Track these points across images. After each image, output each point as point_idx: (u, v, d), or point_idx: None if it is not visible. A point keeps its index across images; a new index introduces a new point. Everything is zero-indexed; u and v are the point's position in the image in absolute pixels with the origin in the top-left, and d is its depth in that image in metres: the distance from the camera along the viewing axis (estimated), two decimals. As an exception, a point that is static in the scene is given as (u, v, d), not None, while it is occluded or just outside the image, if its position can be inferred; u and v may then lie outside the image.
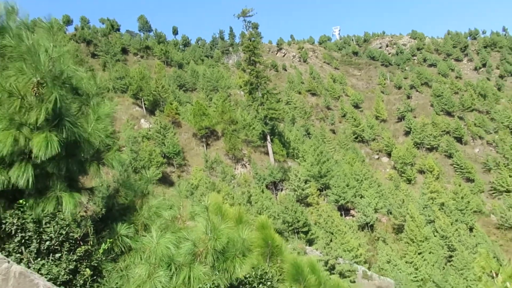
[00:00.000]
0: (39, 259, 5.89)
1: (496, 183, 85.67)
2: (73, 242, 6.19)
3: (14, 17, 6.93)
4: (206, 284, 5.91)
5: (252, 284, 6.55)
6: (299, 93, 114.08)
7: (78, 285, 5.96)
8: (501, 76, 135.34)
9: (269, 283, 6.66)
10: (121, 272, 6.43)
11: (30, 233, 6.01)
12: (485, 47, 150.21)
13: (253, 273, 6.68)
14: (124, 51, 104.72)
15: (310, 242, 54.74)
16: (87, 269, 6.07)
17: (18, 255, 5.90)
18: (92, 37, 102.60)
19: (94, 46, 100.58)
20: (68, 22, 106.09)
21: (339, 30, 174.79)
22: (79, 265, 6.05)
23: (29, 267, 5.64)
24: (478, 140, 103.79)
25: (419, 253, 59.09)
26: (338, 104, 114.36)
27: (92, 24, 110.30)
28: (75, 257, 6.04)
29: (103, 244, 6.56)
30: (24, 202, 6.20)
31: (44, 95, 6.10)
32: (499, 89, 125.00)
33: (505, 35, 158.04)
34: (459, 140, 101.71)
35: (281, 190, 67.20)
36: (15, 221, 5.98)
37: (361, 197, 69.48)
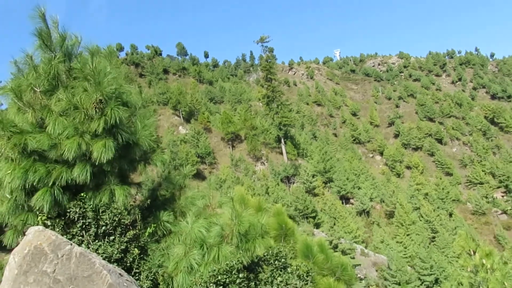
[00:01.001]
0: (96, 241, 5.94)
1: (471, 177, 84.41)
2: (124, 227, 6.23)
3: (77, 46, 7.03)
4: (232, 261, 5.89)
5: (270, 260, 6.51)
6: (307, 104, 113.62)
7: (128, 262, 5.99)
8: (474, 88, 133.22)
9: (283, 260, 6.60)
10: (163, 251, 6.46)
11: (90, 219, 6.06)
12: (460, 64, 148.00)
13: (270, 251, 6.63)
14: (165, 71, 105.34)
15: (317, 226, 54.46)
16: (136, 249, 6.10)
17: (80, 237, 5.95)
18: (139, 61, 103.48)
19: (141, 68, 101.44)
20: (121, 48, 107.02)
21: (339, 52, 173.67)
22: (129, 245, 6.09)
23: (88, 248, 5.68)
24: (455, 141, 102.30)
25: (408, 235, 58.43)
26: (339, 113, 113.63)
27: (140, 50, 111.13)
28: (125, 239, 6.07)
29: (149, 228, 6.59)
30: (84, 195, 6.26)
31: (103, 110, 6.17)
32: (472, 99, 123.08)
33: (477, 54, 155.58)
34: (439, 141, 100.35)
35: (293, 183, 66.99)
36: (77, 210, 6.04)
37: (359, 189, 68.99)
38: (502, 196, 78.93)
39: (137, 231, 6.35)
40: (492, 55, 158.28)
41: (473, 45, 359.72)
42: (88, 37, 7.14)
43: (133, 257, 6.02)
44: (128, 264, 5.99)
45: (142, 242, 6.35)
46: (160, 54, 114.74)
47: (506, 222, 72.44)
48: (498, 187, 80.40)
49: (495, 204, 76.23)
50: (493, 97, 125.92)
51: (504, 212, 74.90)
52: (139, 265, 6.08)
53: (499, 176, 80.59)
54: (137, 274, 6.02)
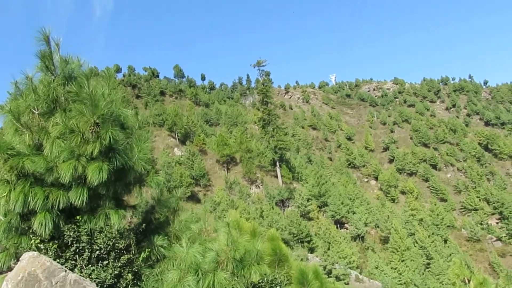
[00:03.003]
0: (90, 265, 5.87)
1: (466, 203, 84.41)
2: (118, 251, 6.17)
3: (78, 68, 7.07)
4: (227, 288, 5.82)
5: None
6: (303, 127, 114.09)
7: (121, 287, 5.91)
8: (468, 115, 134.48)
9: (278, 287, 6.54)
10: (157, 276, 6.37)
11: (84, 243, 6.00)
12: (454, 91, 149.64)
13: (265, 278, 6.57)
14: (162, 93, 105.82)
15: (312, 250, 54.03)
16: (129, 274, 6.03)
17: (73, 262, 5.88)
18: (136, 82, 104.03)
19: (138, 89, 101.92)
20: (118, 70, 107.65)
21: (335, 77, 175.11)
22: (122, 270, 6.02)
23: (81, 272, 5.61)
24: (450, 167, 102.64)
25: (402, 261, 58.04)
26: (334, 137, 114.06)
27: (137, 71, 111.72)
28: (119, 264, 6.00)
29: (143, 253, 6.52)
30: (80, 218, 6.22)
31: (100, 133, 6.17)
32: (466, 125, 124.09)
33: (470, 81, 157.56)
34: (434, 166, 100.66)
35: (288, 206, 66.70)
36: (71, 234, 5.99)
37: (353, 213, 68.73)
38: (497, 223, 78.82)
39: (131, 255, 6.28)
40: (485, 83, 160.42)
41: (467, 72, 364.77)
42: (87, 58, 7.22)
43: (126, 282, 5.94)
44: (121, 290, 5.91)
45: (136, 267, 6.28)
46: (157, 76, 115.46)
47: (501, 249, 72.16)
48: (493, 214, 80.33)
49: (489, 231, 76.08)
50: (487, 123, 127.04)
51: (499, 239, 74.68)
52: (132, 291, 6.01)
53: (494, 203, 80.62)
54: (130, 301, 5.94)
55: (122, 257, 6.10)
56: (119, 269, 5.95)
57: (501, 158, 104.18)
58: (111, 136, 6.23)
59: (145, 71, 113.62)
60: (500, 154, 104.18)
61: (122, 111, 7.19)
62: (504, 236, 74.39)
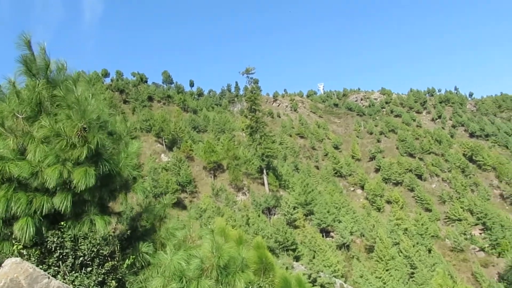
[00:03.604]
0: (73, 272, 5.80)
1: (450, 213, 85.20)
2: (103, 258, 6.11)
3: (63, 72, 7.02)
4: (211, 296, 5.80)
5: (249, 296, 6.43)
6: (290, 136, 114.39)
7: (105, 294, 5.86)
8: (453, 126, 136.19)
9: (263, 295, 6.54)
10: (141, 283, 6.33)
11: (67, 250, 5.94)
12: (440, 102, 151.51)
13: (250, 286, 6.57)
14: (150, 98, 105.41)
15: (297, 258, 53.98)
16: (113, 281, 5.98)
17: (56, 268, 5.81)
18: (124, 87, 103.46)
19: (126, 94, 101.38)
20: (106, 74, 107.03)
21: (323, 86, 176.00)
22: (106, 277, 5.96)
23: (64, 279, 5.55)
24: (435, 177, 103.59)
25: (387, 270, 58.26)
26: (322, 146, 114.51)
27: (125, 76, 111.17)
28: (103, 270, 5.95)
29: (127, 260, 6.47)
30: (64, 224, 6.16)
31: (86, 138, 6.13)
32: (451, 136, 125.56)
33: (456, 93, 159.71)
34: (419, 177, 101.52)
35: (274, 214, 66.65)
36: (55, 240, 5.92)
37: (339, 222, 68.89)
38: (480, 233, 79.66)
39: (116, 262, 6.23)
40: (471, 95, 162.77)
41: (452, 84, 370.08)
42: (75, 63, 7.17)
43: (110, 289, 5.90)
44: (104, 297, 5.86)
45: (120, 274, 6.23)
46: (146, 81, 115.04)
47: (484, 260, 72.89)
48: (476, 224, 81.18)
49: (473, 241, 76.83)
50: (472, 135, 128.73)
51: (482, 249, 75.47)
52: (116, 298, 5.95)
53: (477, 214, 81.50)
54: (113, 308, 5.88)
55: (106, 264, 6.05)
56: (103, 276, 5.90)
57: (485, 169, 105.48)
58: (98, 141, 6.20)
59: (133, 76, 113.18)
60: (484, 166, 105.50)
61: (109, 116, 7.17)
62: (487, 247, 75.20)
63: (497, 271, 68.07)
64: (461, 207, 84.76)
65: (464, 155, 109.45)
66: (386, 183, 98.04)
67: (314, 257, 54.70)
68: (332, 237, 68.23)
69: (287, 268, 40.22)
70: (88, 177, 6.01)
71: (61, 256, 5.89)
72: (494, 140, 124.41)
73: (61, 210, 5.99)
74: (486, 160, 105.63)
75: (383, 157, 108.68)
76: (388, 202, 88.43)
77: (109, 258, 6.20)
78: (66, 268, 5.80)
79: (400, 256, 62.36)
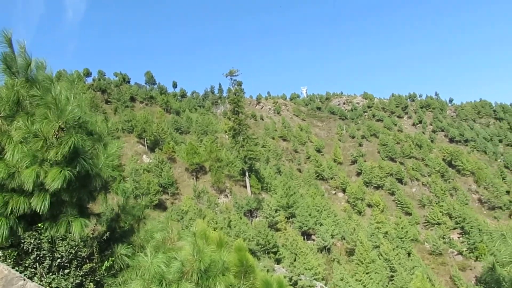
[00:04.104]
0: (50, 274, 5.70)
1: (429, 217, 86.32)
2: (81, 260, 6.03)
3: (42, 71, 6.91)
4: (191, 299, 5.76)
5: (229, 299, 6.41)
6: (273, 138, 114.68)
7: (82, 297, 5.77)
8: (433, 131, 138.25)
9: (243, 298, 6.51)
10: (120, 286, 6.26)
11: (45, 251, 5.84)
12: (421, 107, 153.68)
13: (230, 290, 6.55)
14: (132, 99, 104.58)
15: (278, 261, 54.05)
16: (91, 284, 5.90)
17: (33, 270, 5.70)
18: (106, 87, 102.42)
19: (108, 95, 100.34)
20: (88, 74, 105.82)
21: (306, 90, 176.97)
22: (84, 279, 5.88)
23: (41, 281, 5.46)
24: (415, 182, 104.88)
25: (367, 273, 58.70)
26: (304, 149, 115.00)
27: (107, 76, 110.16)
28: (81, 272, 5.87)
29: (106, 262, 6.39)
30: (41, 225, 6.05)
31: (64, 138, 6.04)
32: (431, 141, 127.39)
33: (437, 98, 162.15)
34: (400, 181, 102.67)
35: (256, 217, 66.68)
36: (32, 241, 5.81)
37: (320, 225, 69.21)
38: (458, 237, 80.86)
39: (94, 264, 6.15)
40: (451, 100, 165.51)
41: (433, 90, 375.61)
42: (56, 62, 7.07)
43: (88, 292, 5.81)
44: (82, 300, 5.77)
45: (98, 276, 6.14)
46: (128, 82, 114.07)
47: (462, 263, 74.01)
48: (454, 228, 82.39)
49: (451, 245, 77.94)
50: (451, 140, 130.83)
51: (460, 253, 76.62)
52: (94, 301, 5.87)
53: (456, 218, 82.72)
54: (90, 311, 5.80)
55: (84, 266, 5.96)
56: (80, 278, 5.81)
57: (463, 174, 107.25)
58: (76, 141, 6.10)
59: (116, 76, 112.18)
60: (463, 170, 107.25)
61: (90, 116, 7.08)
62: (465, 251, 76.37)
63: (474, 275, 69.16)
64: (440, 211, 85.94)
65: (443, 160, 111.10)
66: (367, 186, 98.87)
67: (295, 260, 54.84)
68: (313, 240, 68.51)
69: (268, 270, 40.24)
70: (61, 178, 5.90)
71: (38, 257, 5.79)
72: (473, 146, 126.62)
73: (38, 211, 5.88)
74: (465, 165, 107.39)
75: (365, 161, 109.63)
76: (369, 205, 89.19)
77: (87, 260, 6.11)
78: (43, 270, 5.70)
79: (380, 259, 62.91)
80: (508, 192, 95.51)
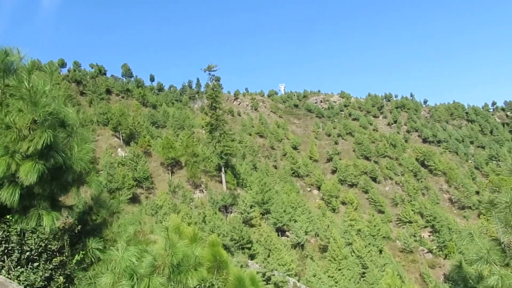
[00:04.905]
0: (18, 267, 5.60)
1: (401, 215, 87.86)
2: (50, 253, 5.94)
3: (17, 61, 6.75)
4: (162, 293, 5.75)
5: (201, 294, 6.42)
6: (250, 134, 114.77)
7: (52, 290, 5.70)
8: (407, 131, 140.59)
9: (215, 293, 6.53)
10: (90, 280, 6.19)
11: (13, 244, 5.73)
12: (396, 107, 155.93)
13: (202, 284, 6.55)
14: (108, 91, 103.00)
15: (252, 257, 54.22)
16: (61, 277, 5.82)
17: (1, 263, 5.60)
18: (82, 79, 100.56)
19: (83, 86, 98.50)
20: (63, 64, 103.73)
21: (284, 87, 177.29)
22: (54, 273, 5.80)
23: (9, 274, 5.36)
24: (388, 180, 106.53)
25: (339, 269, 59.44)
26: (280, 145, 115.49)
27: (83, 67, 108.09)
28: (51, 266, 5.78)
29: (76, 255, 6.31)
30: (10, 217, 5.93)
31: (37, 131, 5.94)
32: (406, 141, 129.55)
33: (412, 99, 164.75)
34: (374, 179, 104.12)
35: (231, 212, 66.68)
36: (0, 234, 5.69)
37: (295, 221, 69.71)
38: (429, 236, 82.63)
39: (64, 258, 6.06)
40: (425, 102, 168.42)
41: (409, 91, 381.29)
42: (30, 51, 6.90)
43: (57, 285, 5.73)
44: (51, 293, 5.69)
45: (68, 270, 6.06)
46: (104, 74, 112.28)
47: (431, 261, 75.67)
48: (425, 227, 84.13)
49: (422, 243, 79.60)
50: (425, 140, 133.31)
51: (430, 251, 78.34)
52: (63, 294, 5.79)
53: (427, 216, 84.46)
54: (60, 304, 5.72)
55: (54, 259, 5.88)
56: (50, 271, 5.73)
57: (435, 174, 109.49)
58: (49, 134, 6.01)
59: (92, 68, 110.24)
60: (435, 170, 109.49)
61: (63, 108, 6.95)
62: (435, 249, 78.13)
63: (443, 272, 70.82)
64: (412, 210, 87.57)
65: (416, 159, 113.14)
66: (342, 184, 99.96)
67: (269, 256, 55.11)
68: (287, 236, 68.94)
69: (241, 266, 40.34)
70: (35, 172, 5.81)
71: (6, 250, 5.68)
72: (445, 146, 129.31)
73: (7, 204, 5.77)
74: (437, 165, 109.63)
75: (340, 159, 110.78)
76: (343, 203, 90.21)
77: (57, 253, 6.03)
78: (11, 263, 5.60)
79: (352, 256, 63.80)
80: (477, 193, 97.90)
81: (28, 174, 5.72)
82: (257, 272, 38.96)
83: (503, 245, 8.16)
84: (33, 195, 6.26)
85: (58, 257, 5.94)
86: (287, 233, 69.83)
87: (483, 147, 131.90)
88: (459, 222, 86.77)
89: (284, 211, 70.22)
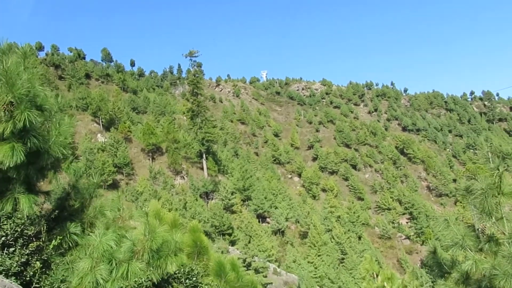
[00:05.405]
0: (-7, 252, 5.50)
1: (380, 202, 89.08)
2: (27, 238, 5.83)
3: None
4: (141, 278, 5.72)
5: (181, 279, 6.41)
6: (231, 121, 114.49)
7: (28, 276, 5.60)
8: (388, 119, 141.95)
9: (194, 278, 6.53)
10: (68, 265, 6.12)
11: (-12, 229, 5.60)
12: (377, 96, 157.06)
13: (182, 269, 6.54)
14: (88, 76, 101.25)
15: (233, 243, 54.50)
16: (37, 262, 5.72)
17: (-26, 248, 5.48)
18: (60, 63, 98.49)
19: (62, 70, 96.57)
20: (40, 48, 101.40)
21: (266, 74, 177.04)
22: (30, 258, 5.70)
23: (-17, 259, 5.26)
24: (368, 168, 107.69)
25: (319, 255, 60.18)
26: (262, 132, 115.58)
27: (62, 51, 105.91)
28: (27, 251, 5.68)
29: (54, 240, 6.22)
30: (-16, 202, 5.80)
31: (13, 112, 5.80)
32: (386, 129, 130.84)
33: (392, 88, 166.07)
34: (354, 167, 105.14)
35: (212, 199, 66.74)
36: (-26, 219, 5.57)
37: (275, 208, 70.16)
38: (407, 222, 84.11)
39: (41, 243, 5.96)
40: (405, 90, 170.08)
41: (389, 79, 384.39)
42: (6, 33, 6.71)
43: (34, 270, 5.64)
44: (28, 278, 5.59)
45: (45, 255, 5.97)
46: (84, 58, 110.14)
47: (409, 247, 77.15)
48: (403, 214, 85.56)
49: (400, 230, 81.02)
50: (404, 129, 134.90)
51: (408, 237, 79.82)
52: (40, 279, 5.70)
53: (405, 204, 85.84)
54: (36, 289, 5.64)
55: (30, 244, 5.78)
56: (26, 256, 5.63)
57: (414, 162, 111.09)
58: (26, 117, 5.87)
59: (70, 52, 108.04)
60: (414, 158, 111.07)
61: (40, 91, 6.79)
62: (412, 235, 79.64)
63: (420, 258, 72.31)
64: (391, 197, 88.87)
65: (396, 147, 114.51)
66: (322, 171, 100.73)
67: (249, 242, 55.45)
68: (268, 222, 69.42)
69: (222, 252, 40.51)
70: (15, 154, 5.68)
71: (-20, 235, 5.56)
72: (424, 135, 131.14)
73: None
74: (415, 153, 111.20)
75: (321, 147, 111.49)
76: (324, 190, 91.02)
77: (34, 239, 5.93)
78: (-15, 248, 5.49)
79: (332, 242, 64.62)
80: (454, 180, 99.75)
81: (7, 156, 5.60)
82: (238, 258, 39.19)
83: (477, 231, 8.33)
84: (8, 179, 6.14)
85: (35, 242, 5.84)
86: (267, 219, 70.29)
87: (461, 136, 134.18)
88: (436, 209, 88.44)
89: (265, 198, 70.58)
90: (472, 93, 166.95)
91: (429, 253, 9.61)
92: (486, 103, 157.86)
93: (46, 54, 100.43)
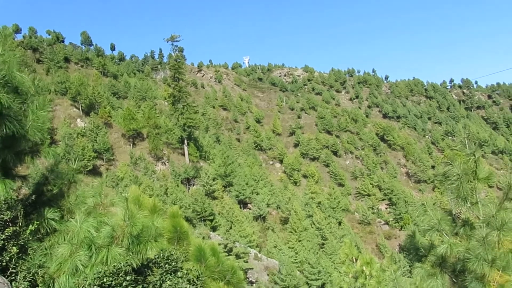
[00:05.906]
0: (-32, 237, 5.40)
1: (360, 188, 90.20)
2: (3, 223, 5.74)
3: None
4: (120, 263, 5.70)
5: (160, 264, 6.40)
6: (213, 107, 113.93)
7: (4, 261, 5.54)
8: (369, 106, 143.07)
9: (174, 263, 6.52)
10: (46, 250, 6.06)
11: (-38, 214, 5.50)
12: (358, 83, 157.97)
13: (161, 254, 6.53)
14: (67, 60, 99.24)
15: (214, 229, 54.69)
16: (14, 247, 5.65)
17: (-51, 233, 5.38)
18: (38, 46, 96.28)
19: (40, 54, 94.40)
20: (17, 30, 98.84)
21: (249, 60, 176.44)
22: (6, 243, 5.62)
23: (-43, 245, 5.17)
24: (349, 154, 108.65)
25: (299, 241, 60.82)
26: (244, 119, 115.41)
27: (40, 34, 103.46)
28: (3, 236, 5.60)
29: (31, 225, 6.14)
30: (-42, 187, 5.69)
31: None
32: (367, 116, 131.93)
33: (373, 75, 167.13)
34: (335, 153, 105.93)
35: (193, 185, 66.67)
36: None
37: (257, 194, 70.50)
38: (386, 208, 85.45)
39: (18, 228, 5.88)
40: (386, 78, 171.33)
41: (371, 67, 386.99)
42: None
43: (10, 256, 5.56)
44: (4, 264, 5.53)
45: (22, 240, 5.89)
46: (62, 41, 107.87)
47: (388, 232, 78.50)
48: (383, 200, 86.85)
49: (379, 215, 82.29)
50: (385, 116, 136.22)
51: (386, 223, 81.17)
52: (17, 265, 5.63)
53: (384, 190, 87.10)
54: (13, 275, 5.58)
55: (7, 229, 5.69)
56: (2, 241, 5.55)
57: (394, 148, 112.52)
58: (4, 97, 5.75)
59: (49, 35, 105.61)
60: (394, 145, 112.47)
61: (16, 74, 6.64)
62: (391, 220, 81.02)
63: (398, 243, 73.71)
64: (370, 183, 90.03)
65: (376, 134, 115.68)
66: (303, 158, 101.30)
67: (231, 228, 55.75)
68: (249, 208, 69.76)
69: (203, 238, 40.60)
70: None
71: (-46, 220, 5.46)
72: (404, 122, 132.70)
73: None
74: (396, 140, 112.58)
75: (303, 133, 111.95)
76: (305, 176, 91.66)
77: (10, 224, 5.84)
78: (-40, 233, 5.39)
79: (312, 227, 65.34)
80: (433, 167, 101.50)
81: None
82: (219, 244, 39.33)
83: (453, 215, 8.50)
84: (-17, 163, 6.02)
85: (11, 227, 5.76)
86: (249, 205, 70.62)
87: (440, 123, 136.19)
88: (415, 195, 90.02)
89: (247, 184, 70.81)
90: (451, 81, 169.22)
91: (408, 236, 9.81)
92: (465, 91, 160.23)
93: (24, 37, 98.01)
